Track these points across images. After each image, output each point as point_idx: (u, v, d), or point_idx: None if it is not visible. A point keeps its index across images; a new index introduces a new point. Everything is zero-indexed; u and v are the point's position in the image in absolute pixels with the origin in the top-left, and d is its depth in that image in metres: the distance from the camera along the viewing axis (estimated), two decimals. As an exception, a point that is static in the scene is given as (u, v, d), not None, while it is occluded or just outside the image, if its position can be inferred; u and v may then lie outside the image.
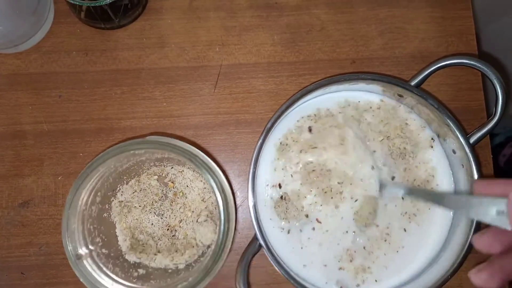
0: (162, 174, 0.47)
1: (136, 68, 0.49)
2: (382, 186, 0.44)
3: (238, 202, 0.48)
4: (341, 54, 0.50)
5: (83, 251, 0.40)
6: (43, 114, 0.48)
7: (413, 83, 0.44)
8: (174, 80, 0.49)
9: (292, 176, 0.45)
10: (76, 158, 0.48)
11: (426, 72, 0.44)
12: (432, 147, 0.46)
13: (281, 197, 0.44)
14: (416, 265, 0.44)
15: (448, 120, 0.43)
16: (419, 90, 0.44)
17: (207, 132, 0.49)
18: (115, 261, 0.43)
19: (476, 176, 0.43)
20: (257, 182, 0.44)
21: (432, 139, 0.46)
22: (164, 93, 0.49)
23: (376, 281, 0.44)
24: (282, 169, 0.45)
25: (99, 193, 0.43)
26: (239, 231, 0.48)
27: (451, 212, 0.45)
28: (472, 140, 0.44)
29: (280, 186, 0.45)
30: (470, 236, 0.42)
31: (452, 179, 0.46)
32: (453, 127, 0.43)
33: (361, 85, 0.45)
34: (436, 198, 0.40)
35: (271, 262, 0.41)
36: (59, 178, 0.48)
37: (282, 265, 0.42)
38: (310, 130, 0.45)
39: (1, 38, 0.45)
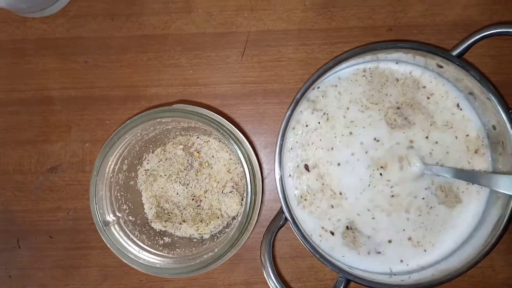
0: (188, 143, 0.47)
1: (162, 34, 0.48)
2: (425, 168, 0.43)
3: (264, 174, 0.48)
4: (377, 21, 0.47)
5: (110, 217, 0.40)
6: (70, 80, 0.48)
7: (454, 53, 0.41)
8: (201, 47, 0.48)
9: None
10: (103, 125, 0.48)
11: (469, 42, 0.41)
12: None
13: (347, 227, 0.44)
14: (448, 244, 0.43)
15: (490, 94, 0.41)
16: (461, 61, 0.41)
17: (234, 101, 0.48)
18: (141, 228, 0.43)
19: (516, 153, 0.41)
20: (284, 155, 0.43)
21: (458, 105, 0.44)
22: (190, 60, 0.48)
23: (402, 261, 0.43)
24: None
25: (125, 161, 0.43)
26: (264, 203, 0.48)
27: (487, 192, 0.43)
28: (514, 116, 0.41)
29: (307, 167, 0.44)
30: (506, 217, 0.40)
31: (490, 155, 0.44)
32: (495, 101, 0.41)
33: (399, 54, 0.42)
34: (485, 179, 0.38)
35: (297, 236, 0.40)
36: (87, 144, 0.48)
37: (308, 240, 0.41)
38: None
39: (28, 1, 0.44)
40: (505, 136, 0.41)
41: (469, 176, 0.41)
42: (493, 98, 0.41)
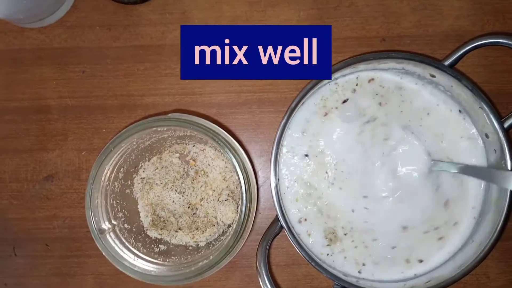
0: (184, 152, 0.47)
1: (159, 44, 0.48)
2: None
3: (259, 183, 0.48)
4: (370, 31, 0.48)
5: (106, 225, 0.41)
6: (67, 89, 0.49)
7: (446, 63, 0.42)
8: (197, 57, 0.48)
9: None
10: (100, 134, 0.48)
11: (461, 52, 0.42)
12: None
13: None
14: (443, 252, 0.43)
15: (482, 103, 0.41)
16: (453, 71, 0.41)
17: (230, 110, 0.48)
18: (137, 236, 0.43)
19: (509, 162, 0.41)
20: (279, 163, 0.43)
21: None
22: (186, 70, 0.48)
23: (402, 272, 0.44)
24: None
25: (121, 169, 0.43)
26: (260, 212, 0.48)
27: (481, 199, 0.44)
28: (506, 125, 0.42)
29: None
30: (499, 224, 0.41)
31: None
32: (487, 110, 0.41)
33: (391, 64, 0.43)
34: (489, 174, 0.39)
35: (293, 244, 0.41)
36: (83, 153, 0.48)
37: (304, 248, 0.41)
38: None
39: (25, 12, 0.45)
40: (498, 144, 0.42)
41: (476, 171, 0.42)
42: (485, 107, 0.41)
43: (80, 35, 0.49)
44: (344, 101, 0.44)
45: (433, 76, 0.43)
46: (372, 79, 0.44)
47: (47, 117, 0.48)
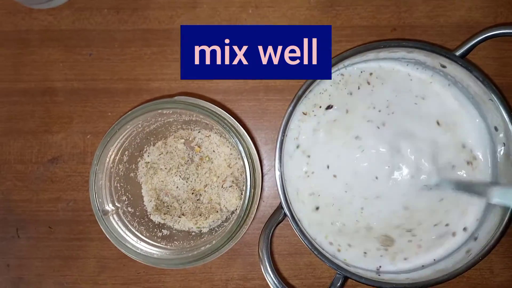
0: (189, 138, 0.47)
1: (167, 29, 0.48)
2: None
3: (264, 171, 0.48)
4: (381, 20, 0.47)
5: (109, 207, 0.41)
6: (73, 72, 0.48)
7: (457, 54, 0.41)
8: (205, 43, 0.48)
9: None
10: (105, 118, 0.48)
11: (473, 42, 0.41)
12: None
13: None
14: (447, 246, 0.43)
15: (493, 95, 0.41)
16: (464, 61, 0.41)
17: (236, 97, 0.48)
18: (140, 220, 0.43)
19: (518, 155, 0.40)
20: (285, 151, 0.43)
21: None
22: (194, 56, 0.48)
23: (405, 259, 0.43)
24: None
25: (126, 152, 0.43)
26: (263, 200, 0.48)
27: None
28: (516, 118, 0.41)
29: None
30: (505, 220, 0.40)
31: (489, 156, 0.44)
32: (498, 102, 0.41)
33: (402, 53, 0.42)
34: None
35: (296, 232, 0.40)
36: (88, 136, 0.48)
37: (307, 236, 0.41)
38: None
39: (34, -8, 0.45)
40: (507, 137, 0.41)
41: (469, 187, 0.42)
42: (495, 99, 0.41)
43: (88, 17, 0.48)
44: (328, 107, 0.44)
45: (443, 66, 0.42)
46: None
47: (53, 99, 0.48)
